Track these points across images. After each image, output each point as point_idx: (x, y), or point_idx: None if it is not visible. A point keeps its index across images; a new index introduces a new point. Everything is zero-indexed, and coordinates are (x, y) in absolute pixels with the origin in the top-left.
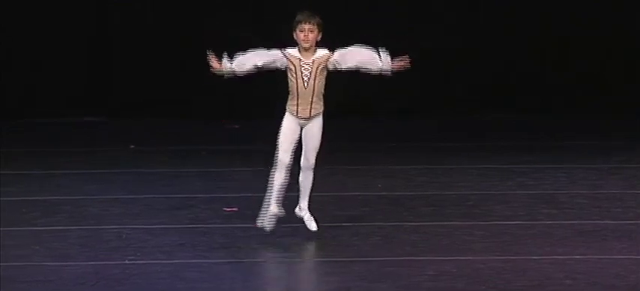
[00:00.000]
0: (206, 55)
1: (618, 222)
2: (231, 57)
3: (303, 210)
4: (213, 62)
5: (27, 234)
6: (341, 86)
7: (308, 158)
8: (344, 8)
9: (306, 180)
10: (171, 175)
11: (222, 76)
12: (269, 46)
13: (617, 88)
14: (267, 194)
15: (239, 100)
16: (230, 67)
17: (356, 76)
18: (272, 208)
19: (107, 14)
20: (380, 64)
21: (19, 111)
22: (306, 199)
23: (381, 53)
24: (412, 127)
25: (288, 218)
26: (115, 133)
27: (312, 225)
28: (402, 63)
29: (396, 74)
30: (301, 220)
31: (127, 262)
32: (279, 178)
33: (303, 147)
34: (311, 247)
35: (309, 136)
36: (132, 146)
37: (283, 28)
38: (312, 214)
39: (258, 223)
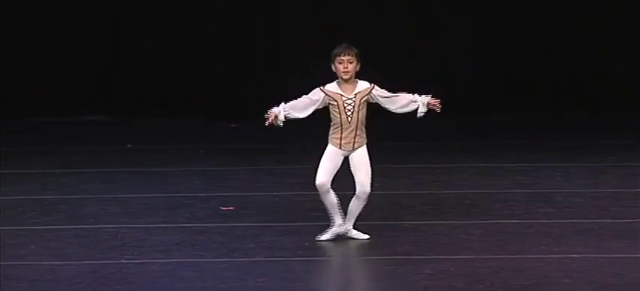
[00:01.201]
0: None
1: (616, 221)
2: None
3: (348, 229)
4: (270, 119)
5: (24, 233)
6: None
7: (363, 184)
8: (344, 8)
9: (358, 207)
10: (169, 174)
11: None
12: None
13: (614, 87)
14: (330, 215)
15: (238, 100)
16: (280, 112)
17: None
18: (335, 228)
19: (109, 15)
20: (418, 106)
21: (18, 110)
22: (353, 220)
23: (418, 99)
24: (411, 126)
25: (285, 217)
26: (114, 133)
27: (363, 235)
28: (436, 104)
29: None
30: (348, 237)
31: (123, 261)
32: (328, 200)
33: (355, 176)
34: (308, 246)
35: (358, 165)
36: (129, 145)
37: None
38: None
39: (317, 238)
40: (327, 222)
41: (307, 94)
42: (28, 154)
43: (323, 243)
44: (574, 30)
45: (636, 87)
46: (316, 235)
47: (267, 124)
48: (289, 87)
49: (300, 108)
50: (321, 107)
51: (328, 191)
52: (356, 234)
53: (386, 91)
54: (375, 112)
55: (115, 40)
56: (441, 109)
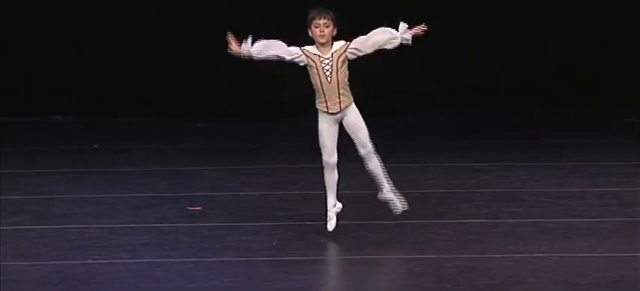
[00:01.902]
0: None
1: (581, 220)
2: (252, 41)
3: (385, 193)
4: (233, 44)
5: None
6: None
7: (363, 145)
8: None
9: (374, 167)
10: (136, 175)
11: (239, 57)
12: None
13: (583, 87)
14: (328, 195)
15: (205, 99)
16: (248, 51)
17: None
18: (330, 207)
19: (75, 14)
20: (399, 39)
21: None
22: (384, 182)
23: (399, 28)
24: (377, 125)
25: (252, 217)
26: (81, 133)
27: (397, 207)
28: (419, 30)
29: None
30: (385, 202)
31: (90, 261)
32: (329, 177)
33: (354, 139)
34: (275, 246)
35: (352, 126)
36: (96, 145)
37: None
38: (394, 194)
39: (329, 228)
40: (295, 221)
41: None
42: None
43: (286, 242)
44: (539, 29)
45: (604, 86)
46: (284, 235)
47: (230, 49)
48: (257, 85)
49: (273, 47)
50: (291, 61)
51: (334, 168)
52: (392, 198)
53: (361, 38)
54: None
55: (81, 39)
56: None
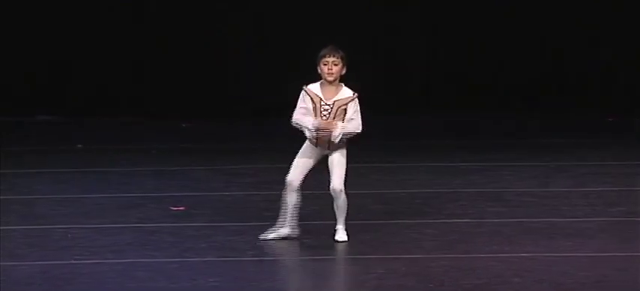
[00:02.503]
0: None
1: (566, 220)
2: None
3: (338, 230)
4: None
5: None
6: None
7: (333, 182)
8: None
9: (339, 206)
10: (120, 174)
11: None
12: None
13: (568, 89)
14: (280, 214)
15: (189, 99)
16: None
17: None
18: (283, 230)
19: (61, 13)
20: (343, 132)
21: None
22: (343, 219)
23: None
24: (363, 125)
25: (237, 217)
26: (66, 133)
27: (342, 237)
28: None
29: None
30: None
31: (75, 261)
32: (290, 198)
33: (331, 173)
34: (259, 246)
35: (334, 163)
36: (80, 145)
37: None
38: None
39: (261, 237)
40: (275, 221)
41: (299, 103)
42: None
43: (270, 242)
44: (527, 30)
45: (589, 87)
46: (264, 234)
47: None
48: (241, 84)
49: (305, 115)
50: (307, 108)
51: (294, 191)
52: (339, 235)
53: (356, 112)
54: None
55: (67, 38)
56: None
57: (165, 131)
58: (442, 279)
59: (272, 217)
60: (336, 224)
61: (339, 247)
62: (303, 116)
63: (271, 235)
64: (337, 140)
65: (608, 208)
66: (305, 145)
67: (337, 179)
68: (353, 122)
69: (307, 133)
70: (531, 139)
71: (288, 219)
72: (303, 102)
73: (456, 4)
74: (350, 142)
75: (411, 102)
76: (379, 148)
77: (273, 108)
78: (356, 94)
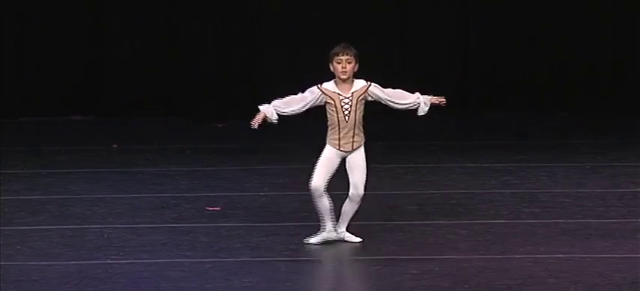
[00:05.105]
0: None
1: (601, 221)
2: (268, 102)
3: (341, 232)
4: (258, 120)
5: (11, 233)
6: None
7: (357, 188)
8: (339, 6)
9: (351, 209)
10: (155, 174)
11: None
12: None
13: (603, 88)
14: (321, 221)
15: (225, 99)
16: (271, 112)
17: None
18: (328, 234)
19: (94, 14)
20: (418, 105)
21: (3, 111)
22: (347, 222)
23: (420, 99)
24: (398, 126)
25: (271, 217)
26: (99, 133)
27: (355, 238)
28: (439, 101)
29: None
30: (340, 239)
31: (109, 261)
32: (321, 203)
33: (350, 178)
34: (294, 247)
35: (354, 167)
36: (115, 146)
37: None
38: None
39: (308, 241)
40: (315, 222)
41: (303, 92)
42: (15, 154)
43: (306, 244)
44: (562, 29)
45: (623, 87)
46: (303, 235)
47: (255, 125)
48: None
49: (293, 104)
50: (316, 105)
51: (322, 196)
52: (348, 237)
53: (384, 89)
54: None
55: (100, 39)
56: (444, 104)
57: (200, 131)
58: (477, 279)
59: (306, 218)
60: (338, 227)
61: (374, 246)
62: (285, 102)
63: (317, 240)
64: (425, 111)
65: None
66: (326, 148)
67: (360, 184)
68: (394, 91)
69: (264, 111)
70: (567, 140)
71: (328, 222)
72: (309, 93)
73: (487, 3)
74: (369, 142)
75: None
76: (413, 149)
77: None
78: (369, 81)
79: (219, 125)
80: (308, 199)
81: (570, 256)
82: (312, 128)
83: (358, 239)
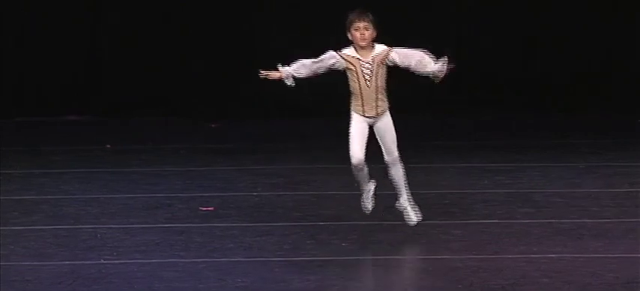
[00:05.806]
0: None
1: (595, 221)
2: (285, 64)
3: (402, 203)
4: (271, 74)
5: (5, 233)
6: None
7: (390, 152)
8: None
9: (396, 175)
10: (148, 174)
11: (281, 82)
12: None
13: (597, 89)
14: (360, 186)
15: (218, 100)
16: (288, 73)
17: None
18: (366, 188)
19: (90, 14)
20: (433, 67)
21: (2, 110)
22: (404, 192)
23: (435, 67)
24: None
25: (265, 217)
26: (93, 133)
27: (411, 218)
28: (451, 68)
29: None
30: (401, 213)
31: (103, 261)
32: (361, 176)
33: (381, 144)
34: (287, 248)
35: (382, 132)
36: (108, 146)
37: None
38: (411, 205)
39: (363, 207)
40: (304, 221)
41: (318, 56)
42: (8, 154)
43: (300, 242)
44: (556, 30)
45: (617, 88)
46: (297, 236)
47: (264, 75)
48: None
49: (308, 65)
50: (335, 68)
51: (363, 168)
52: (408, 209)
53: (406, 54)
54: None
55: (95, 39)
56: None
57: (194, 131)
58: (471, 279)
59: (300, 218)
60: (397, 201)
61: (368, 247)
62: (301, 64)
63: (368, 200)
64: (443, 73)
65: (638, 209)
66: (352, 116)
67: (392, 145)
68: (414, 52)
69: (284, 72)
70: (561, 140)
71: (366, 182)
72: (326, 57)
73: (483, 3)
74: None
75: (439, 102)
76: (407, 149)
77: (302, 108)
78: (390, 46)
79: (213, 125)
80: (302, 198)
81: (563, 256)
82: (303, 129)
83: (414, 221)
